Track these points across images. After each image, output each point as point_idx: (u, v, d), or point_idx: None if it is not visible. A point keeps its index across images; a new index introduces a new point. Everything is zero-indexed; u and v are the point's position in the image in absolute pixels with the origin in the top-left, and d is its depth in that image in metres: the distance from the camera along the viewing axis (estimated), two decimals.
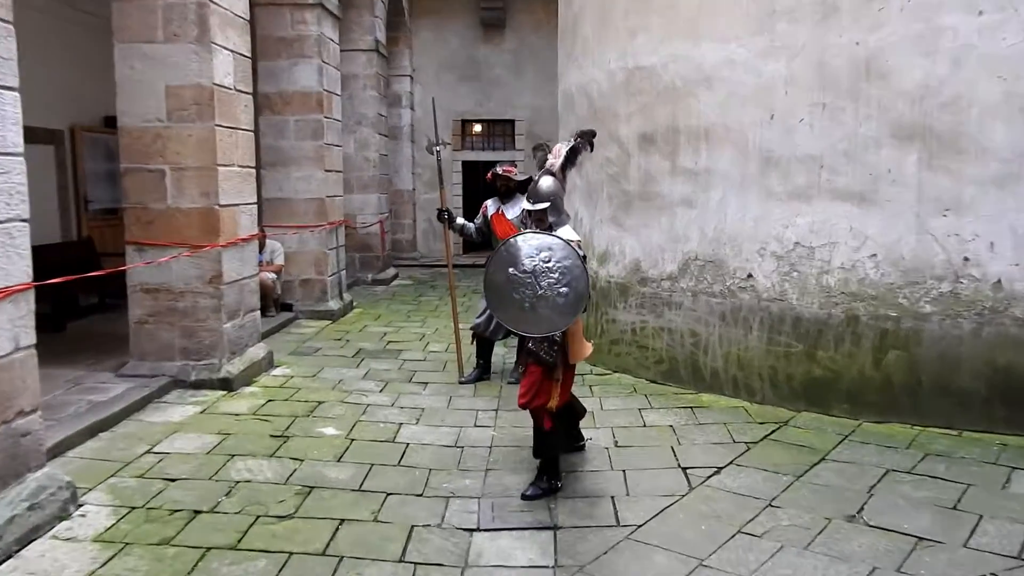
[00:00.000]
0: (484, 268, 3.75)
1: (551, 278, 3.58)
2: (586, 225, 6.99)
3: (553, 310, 3.57)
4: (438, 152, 6.18)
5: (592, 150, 4.10)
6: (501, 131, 16.47)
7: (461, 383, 6.10)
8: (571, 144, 4.02)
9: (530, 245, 3.66)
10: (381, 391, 5.89)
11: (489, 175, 6.07)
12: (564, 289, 3.56)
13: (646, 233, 6.17)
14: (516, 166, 6.46)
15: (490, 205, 6.11)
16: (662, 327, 6.03)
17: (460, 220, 6.04)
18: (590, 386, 6.00)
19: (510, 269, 3.65)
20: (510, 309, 3.64)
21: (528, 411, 3.97)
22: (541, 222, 3.90)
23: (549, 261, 3.61)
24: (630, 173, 6.27)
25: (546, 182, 3.92)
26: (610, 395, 5.76)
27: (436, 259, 15.49)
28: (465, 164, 16.37)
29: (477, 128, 16.57)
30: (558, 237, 3.69)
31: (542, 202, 3.88)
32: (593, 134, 4.09)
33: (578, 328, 3.86)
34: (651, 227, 6.13)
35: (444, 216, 5.96)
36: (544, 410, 3.86)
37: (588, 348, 3.93)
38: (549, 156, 4.05)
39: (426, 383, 6.15)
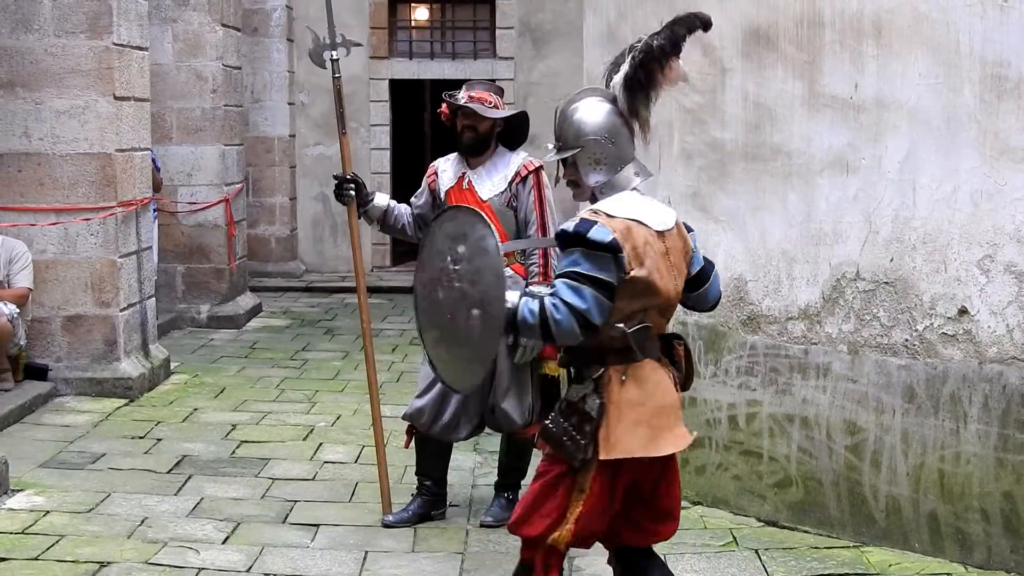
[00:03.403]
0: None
1: (454, 292, 4.01)
2: None
3: (464, 352, 4.06)
4: (335, 62, 6.31)
5: (676, 52, 3.95)
6: (468, 20, 16.61)
7: (388, 526, 6.21)
8: (638, 49, 4.00)
9: (445, 231, 4.14)
10: (225, 541, 5.98)
11: (444, 106, 6.11)
12: (474, 312, 3.94)
13: (757, 225, 6.33)
14: (500, 94, 6.28)
15: (444, 169, 6.25)
16: (790, 414, 6.18)
17: (382, 199, 6.20)
18: None
19: (422, 274, 4.18)
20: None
21: (521, 544, 4.09)
22: (575, 187, 4.15)
23: (459, 261, 4.02)
24: (725, 106, 6.41)
25: (589, 107, 4.08)
26: (687, 550, 5.84)
27: (336, 277, 15.61)
28: (396, 86, 16.60)
29: (421, 14, 16.63)
30: (472, 212, 4.17)
31: (568, 148, 4.07)
32: (699, 23, 3.96)
33: (638, 390, 3.93)
34: (767, 213, 6.29)
35: (348, 190, 6.10)
36: (540, 545, 3.98)
37: (672, 434, 3.98)
38: (624, 65, 4.09)
39: (316, 526, 6.25)
